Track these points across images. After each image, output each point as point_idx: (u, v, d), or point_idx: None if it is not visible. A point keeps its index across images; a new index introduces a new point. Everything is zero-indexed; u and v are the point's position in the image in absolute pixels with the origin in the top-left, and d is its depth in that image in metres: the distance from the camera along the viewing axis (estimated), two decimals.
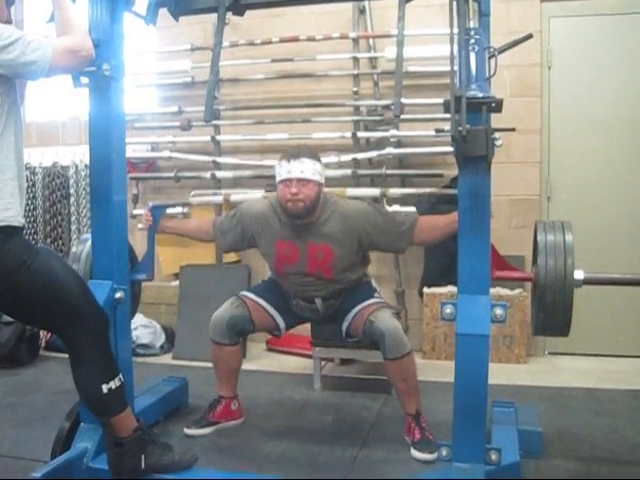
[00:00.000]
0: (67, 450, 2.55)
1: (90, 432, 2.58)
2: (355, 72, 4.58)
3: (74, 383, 2.39)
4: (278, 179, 2.98)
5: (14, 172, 2.19)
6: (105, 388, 2.33)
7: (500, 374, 3.85)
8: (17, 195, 2.20)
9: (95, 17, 2.61)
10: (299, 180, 2.91)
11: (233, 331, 3.14)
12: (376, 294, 3.15)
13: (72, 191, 5.17)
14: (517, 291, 4.25)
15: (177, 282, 4.86)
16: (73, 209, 5.15)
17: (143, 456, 2.45)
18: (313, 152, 3.03)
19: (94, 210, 2.76)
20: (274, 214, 3.10)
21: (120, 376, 2.40)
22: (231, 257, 4.90)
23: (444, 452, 2.44)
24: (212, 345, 3.19)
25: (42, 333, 4.58)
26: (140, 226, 3.45)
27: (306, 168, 2.92)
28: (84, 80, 2.55)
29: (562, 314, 2.37)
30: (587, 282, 2.39)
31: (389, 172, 4.43)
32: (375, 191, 4.31)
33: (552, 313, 2.39)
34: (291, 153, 2.97)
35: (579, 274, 2.38)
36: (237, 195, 4.49)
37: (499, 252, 2.59)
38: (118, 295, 2.69)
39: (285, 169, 2.94)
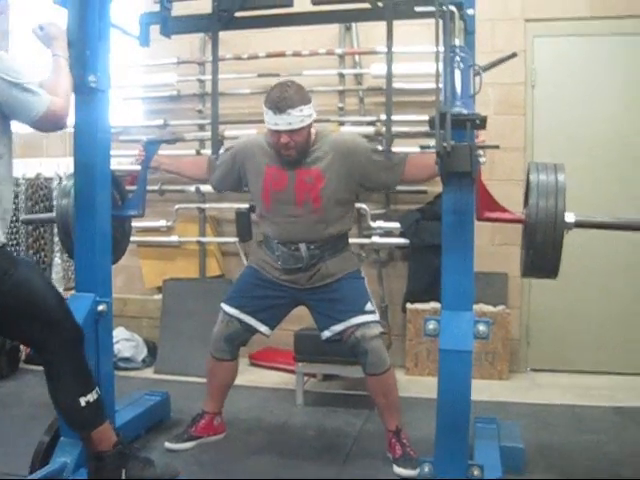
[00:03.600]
0: (46, 465, 2.52)
1: (70, 446, 2.55)
2: (341, 88, 4.60)
3: (51, 398, 2.37)
4: (266, 125, 2.87)
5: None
6: (83, 401, 2.32)
7: (482, 390, 3.84)
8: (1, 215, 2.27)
9: (81, 29, 2.61)
10: (287, 131, 2.81)
11: (233, 345, 3.11)
12: (369, 304, 2.99)
13: (55, 203, 5.12)
14: (500, 307, 4.26)
15: (160, 296, 4.83)
16: None
17: (124, 471, 2.43)
18: (298, 94, 2.83)
19: (78, 222, 2.75)
20: (267, 144, 2.99)
21: (97, 389, 2.40)
22: (214, 271, 4.89)
23: (426, 468, 2.45)
24: (210, 360, 3.14)
25: (22, 346, 4.53)
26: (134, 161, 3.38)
27: (293, 119, 2.78)
28: None
29: (552, 254, 2.36)
30: (578, 225, 2.38)
31: None
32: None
33: (542, 253, 2.37)
34: (276, 103, 2.77)
35: (570, 217, 2.36)
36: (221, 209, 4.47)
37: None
38: (100, 308, 2.68)
39: (272, 120, 2.81)
